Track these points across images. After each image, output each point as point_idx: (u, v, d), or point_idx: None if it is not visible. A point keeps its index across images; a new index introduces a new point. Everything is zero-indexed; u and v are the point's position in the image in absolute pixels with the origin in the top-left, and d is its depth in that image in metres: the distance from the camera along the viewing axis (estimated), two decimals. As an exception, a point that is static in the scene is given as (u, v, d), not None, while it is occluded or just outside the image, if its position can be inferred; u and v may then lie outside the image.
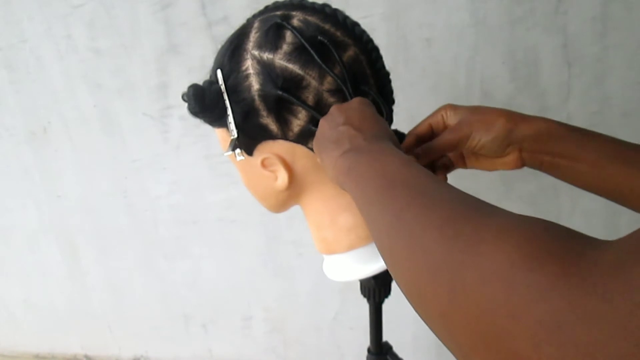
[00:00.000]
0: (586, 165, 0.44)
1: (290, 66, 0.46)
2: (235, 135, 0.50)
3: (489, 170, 0.52)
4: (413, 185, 0.32)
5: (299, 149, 0.49)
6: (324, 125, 0.45)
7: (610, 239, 0.21)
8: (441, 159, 0.54)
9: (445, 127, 0.51)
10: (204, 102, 0.48)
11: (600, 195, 0.46)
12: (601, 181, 0.44)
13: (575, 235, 0.23)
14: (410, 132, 0.52)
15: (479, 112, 0.49)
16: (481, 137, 0.47)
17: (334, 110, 0.45)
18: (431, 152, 0.48)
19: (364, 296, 0.65)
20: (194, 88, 0.48)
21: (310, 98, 0.47)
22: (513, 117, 0.48)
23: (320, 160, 0.45)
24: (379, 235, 0.33)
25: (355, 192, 0.37)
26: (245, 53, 0.48)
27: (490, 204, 0.28)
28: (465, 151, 0.52)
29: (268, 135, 0.49)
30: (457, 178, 0.55)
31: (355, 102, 0.45)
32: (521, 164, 0.49)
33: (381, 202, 0.33)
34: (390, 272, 0.31)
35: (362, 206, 0.36)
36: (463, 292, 0.23)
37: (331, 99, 0.48)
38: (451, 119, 0.50)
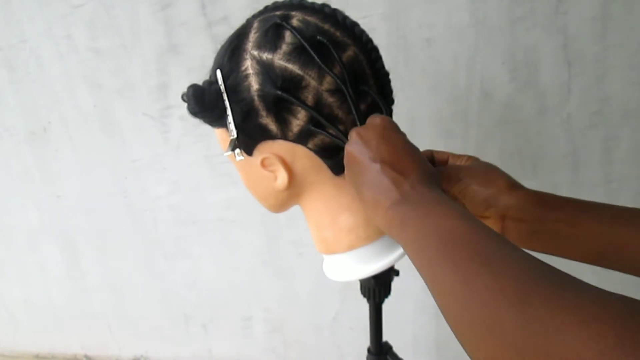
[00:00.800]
0: (586, 230, 0.42)
1: (290, 66, 0.46)
2: (235, 135, 0.50)
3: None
4: (477, 246, 0.31)
5: (299, 149, 0.49)
6: (355, 158, 0.43)
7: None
8: None
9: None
10: (204, 102, 0.48)
11: (599, 264, 0.43)
12: (603, 245, 0.42)
13: None
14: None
15: (486, 165, 0.49)
16: (472, 182, 0.47)
17: (358, 138, 0.43)
18: None
19: (364, 296, 0.65)
20: (194, 88, 0.48)
21: (309, 98, 0.47)
22: (512, 182, 0.47)
23: (358, 194, 0.44)
24: (445, 300, 0.31)
25: (411, 250, 0.36)
26: (244, 53, 0.48)
27: (562, 272, 0.27)
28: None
29: (267, 135, 0.49)
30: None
31: (381, 128, 0.43)
32: (500, 227, 0.47)
33: (444, 264, 0.32)
34: (456, 335, 0.30)
35: (422, 266, 0.35)
36: None
37: (330, 99, 0.48)
38: (464, 162, 0.52)
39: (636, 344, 0.21)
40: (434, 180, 0.41)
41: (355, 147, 0.44)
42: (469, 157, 0.52)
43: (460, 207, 0.36)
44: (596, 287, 0.25)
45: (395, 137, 0.43)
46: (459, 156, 0.52)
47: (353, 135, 0.45)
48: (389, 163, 0.41)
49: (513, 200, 0.46)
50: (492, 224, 0.48)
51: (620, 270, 0.42)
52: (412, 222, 0.37)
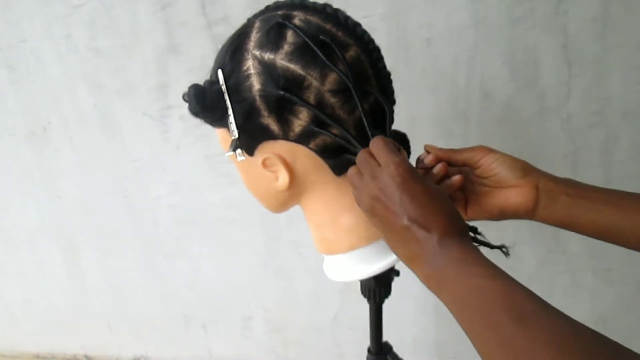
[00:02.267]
0: (604, 205, 0.46)
1: (292, 66, 0.46)
2: (236, 136, 0.50)
3: (495, 211, 0.51)
4: (515, 306, 0.32)
5: (300, 149, 0.49)
6: (379, 210, 0.42)
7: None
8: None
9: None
10: (205, 102, 0.48)
11: (617, 242, 0.46)
12: (625, 221, 0.45)
13: None
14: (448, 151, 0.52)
15: (504, 155, 0.50)
16: (498, 159, 0.49)
17: (377, 190, 0.42)
18: (452, 156, 0.50)
19: (364, 296, 0.65)
20: (195, 88, 0.48)
21: (311, 98, 0.47)
22: (532, 166, 0.49)
23: (388, 243, 0.44)
24: (487, 358, 0.33)
25: (452, 309, 0.37)
26: (246, 53, 0.48)
27: (599, 339, 0.28)
28: (475, 182, 0.52)
29: (269, 136, 0.49)
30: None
31: (400, 179, 0.41)
32: (535, 196, 0.48)
33: (484, 325, 0.33)
34: None
35: (464, 324, 0.36)
36: None
37: (332, 99, 0.48)
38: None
39: None
40: (460, 227, 0.42)
41: (377, 198, 0.42)
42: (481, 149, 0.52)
43: (491, 263, 0.37)
44: None
45: (418, 189, 0.41)
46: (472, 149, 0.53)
47: (373, 186, 0.43)
48: (414, 219, 0.40)
49: (543, 173, 0.48)
50: (525, 192, 0.48)
51: (621, 245, 0.46)
52: (450, 283, 0.37)
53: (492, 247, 0.56)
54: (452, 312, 0.38)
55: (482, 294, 0.35)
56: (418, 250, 0.40)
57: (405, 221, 0.40)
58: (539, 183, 0.48)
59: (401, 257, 0.43)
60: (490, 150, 0.50)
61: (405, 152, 0.49)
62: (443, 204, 0.42)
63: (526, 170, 0.49)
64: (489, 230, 1.02)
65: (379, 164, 0.44)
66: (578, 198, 0.47)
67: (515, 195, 0.49)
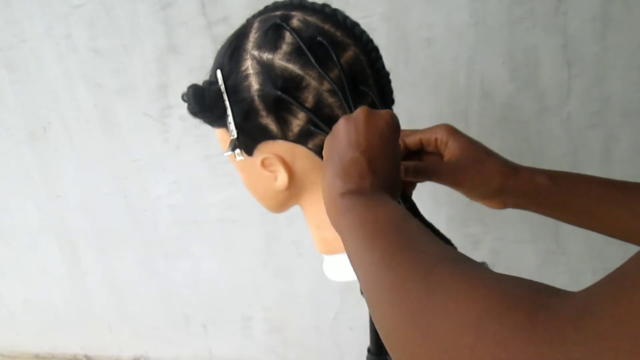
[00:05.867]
0: (572, 214, 0.48)
1: (290, 66, 0.46)
2: (235, 136, 0.50)
3: (463, 194, 0.53)
4: (403, 233, 0.33)
5: (299, 149, 0.49)
6: (342, 132, 0.42)
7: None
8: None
9: (437, 147, 0.51)
10: (204, 102, 0.48)
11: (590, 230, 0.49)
12: (589, 224, 0.48)
13: (541, 288, 0.25)
14: (400, 138, 0.52)
15: (477, 160, 0.49)
16: (472, 188, 0.49)
17: (362, 114, 0.42)
18: (421, 174, 0.49)
19: (364, 296, 0.65)
20: (194, 88, 0.48)
21: (310, 98, 0.47)
22: (508, 173, 0.49)
23: (323, 163, 0.44)
24: (365, 276, 0.34)
25: (345, 235, 0.38)
26: (245, 53, 0.48)
27: (470, 258, 0.30)
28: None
29: (268, 136, 0.49)
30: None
31: (384, 124, 0.42)
32: (502, 207, 0.51)
33: (372, 245, 0.34)
34: (372, 316, 0.33)
35: (350, 248, 0.36)
36: (436, 339, 0.26)
37: (331, 99, 0.48)
38: (449, 148, 0.50)
39: (511, 306, 0.24)
40: (394, 192, 0.42)
41: (350, 122, 0.42)
42: (441, 128, 0.51)
43: (401, 207, 0.38)
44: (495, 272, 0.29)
45: (392, 141, 0.43)
46: (430, 131, 0.51)
47: (359, 110, 0.43)
48: (368, 159, 0.40)
49: (515, 189, 0.49)
50: (495, 204, 0.51)
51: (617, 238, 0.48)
52: (354, 210, 0.38)
53: None
54: (343, 238, 0.38)
55: (380, 217, 0.35)
56: (347, 180, 0.40)
57: (359, 154, 0.40)
58: (508, 199, 0.50)
59: (326, 177, 0.42)
60: (465, 180, 0.49)
61: None
62: (397, 169, 0.43)
63: (499, 194, 0.49)
64: (488, 230, 1.02)
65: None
66: (546, 209, 0.49)
67: (482, 202, 0.52)
